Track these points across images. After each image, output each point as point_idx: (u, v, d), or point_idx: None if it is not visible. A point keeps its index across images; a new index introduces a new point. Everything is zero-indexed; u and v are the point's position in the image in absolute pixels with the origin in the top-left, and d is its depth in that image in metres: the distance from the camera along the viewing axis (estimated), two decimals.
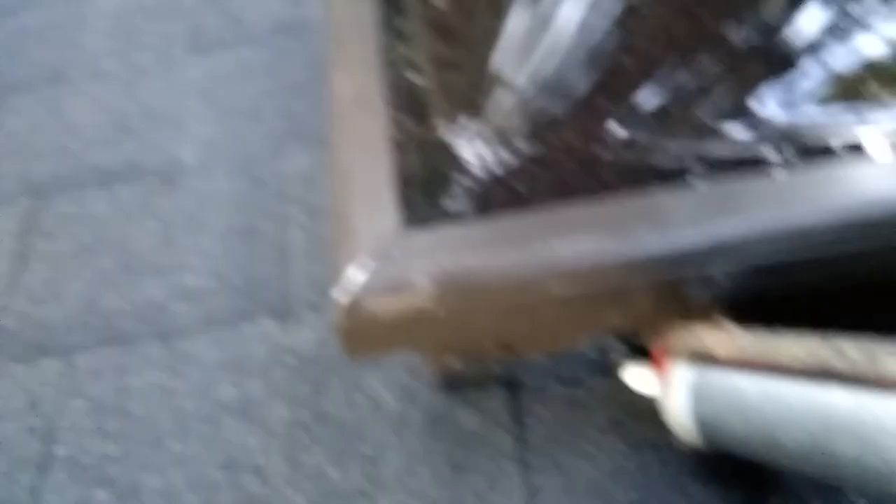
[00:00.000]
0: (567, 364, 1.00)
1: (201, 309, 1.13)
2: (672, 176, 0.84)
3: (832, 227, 0.78)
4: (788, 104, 0.87)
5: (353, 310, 0.79)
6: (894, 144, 0.80)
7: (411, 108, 0.95)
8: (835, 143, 0.82)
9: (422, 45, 1.04)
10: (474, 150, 0.88)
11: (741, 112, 0.87)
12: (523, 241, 0.80)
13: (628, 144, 0.87)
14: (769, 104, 0.87)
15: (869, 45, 0.91)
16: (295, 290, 1.13)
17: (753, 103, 0.87)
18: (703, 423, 0.80)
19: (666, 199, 0.82)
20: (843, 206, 0.78)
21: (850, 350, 0.69)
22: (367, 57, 1.04)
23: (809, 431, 0.69)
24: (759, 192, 0.81)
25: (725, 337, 0.79)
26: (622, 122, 0.89)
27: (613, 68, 0.95)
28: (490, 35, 1.01)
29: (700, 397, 0.79)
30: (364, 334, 0.82)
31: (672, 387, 0.82)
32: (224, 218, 1.26)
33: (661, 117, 0.89)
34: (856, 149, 0.81)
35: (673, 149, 0.86)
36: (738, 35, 0.95)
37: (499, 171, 0.86)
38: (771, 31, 0.95)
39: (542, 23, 1.01)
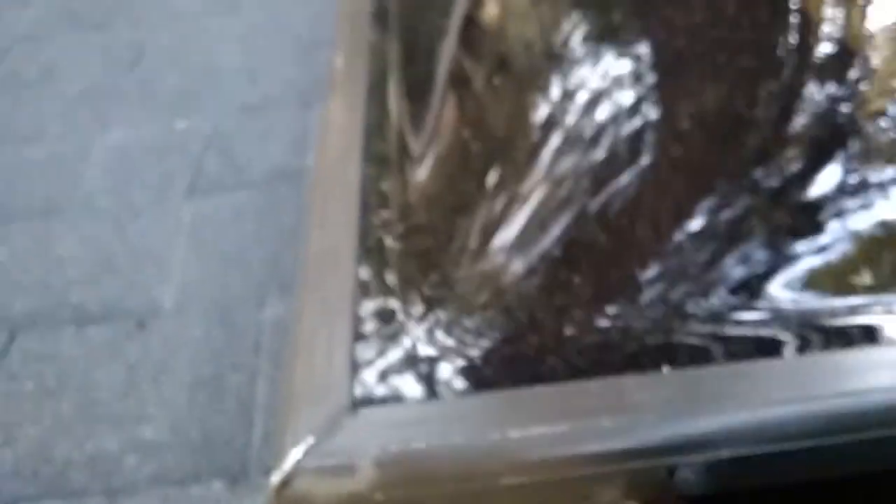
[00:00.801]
0: None
1: (153, 465, 1.09)
2: (642, 362, 0.80)
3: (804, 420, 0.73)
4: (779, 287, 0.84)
5: (286, 491, 0.74)
6: None
7: (377, 276, 0.93)
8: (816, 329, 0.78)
9: (398, 208, 1.03)
10: (434, 327, 0.84)
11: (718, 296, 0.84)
12: (476, 425, 0.76)
13: (597, 328, 0.83)
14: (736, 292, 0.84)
15: (891, 212, 0.89)
16: (253, 450, 1.09)
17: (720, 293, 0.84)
18: None
19: (632, 387, 0.77)
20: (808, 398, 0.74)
21: None
22: (345, 216, 1.02)
23: None
24: (730, 381, 0.77)
25: None
26: (594, 306, 0.85)
27: (591, 250, 0.92)
28: (471, 207, 1.00)
29: None
30: None
31: None
32: (193, 366, 1.22)
33: (635, 300, 0.85)
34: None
35: (646, 334, 0.82)
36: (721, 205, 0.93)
37: (458, 350, 0.82)
38: (776, 199, 0.93)
39: (523, 198, 1.00)
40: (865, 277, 0.84)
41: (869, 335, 0.78)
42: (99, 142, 1.80)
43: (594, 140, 1.09)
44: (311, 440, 0.74)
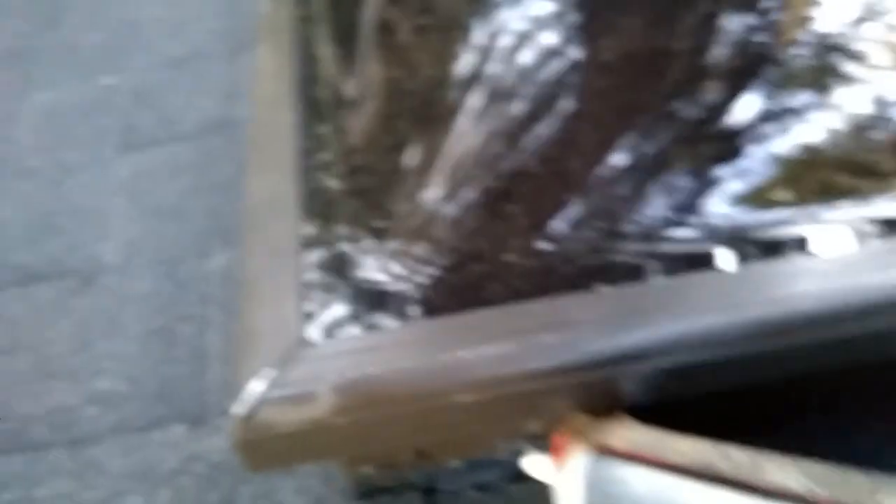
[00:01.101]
0: (483, 469, 0.99)
1: (113, 415, 1.11)
2: (580, 282, 0.84)
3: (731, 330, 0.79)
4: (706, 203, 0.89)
5: (250, 422, 0.77)
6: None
7: (322, 214, 0.95)
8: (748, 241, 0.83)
9: (338, 150, 1.05)
10: (381, 258, 0.87)
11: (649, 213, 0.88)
12: (427, 349, 0.80)
13: (536, 253, 0.87)
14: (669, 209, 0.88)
15: (809, 135, 0.94)
16: (209, 395, 1.11)
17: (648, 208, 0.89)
18: None
19: (571, 306, 0.82)
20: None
21: (736, 454, 0.71)
22: (282, 161, 1.04)
23: None
24: (664, 295, 0.82)
25: (622, 430, 0.80)
26: (531, 233, 0.89)
27: (526, 176, 0.96)
28: (405, 141, 1.03)
29: (593, 487, 0.79)
30: (264, 447, 0.80)
31: (568, 474, 0.81)
32: (142, 320, 1.24)
33: (570, 225, 0.90)
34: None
35: (582, 256, 0.87)
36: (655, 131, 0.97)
37: (405, 279, 0.86)
38: (703, 122, 0.98)
39: (457, 136, 1.03)
40: (788, 194, 0.90)
41: (797, 245, 0.84)
42: (26, 103, 1.77)
43: (522, 79, 1.12)
44: (270, 373, 0.78)
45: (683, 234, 0.87)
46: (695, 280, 0.82)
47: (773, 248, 0.84)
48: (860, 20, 1.16)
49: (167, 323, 1.23)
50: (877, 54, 1.10)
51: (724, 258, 0.83)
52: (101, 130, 1.68)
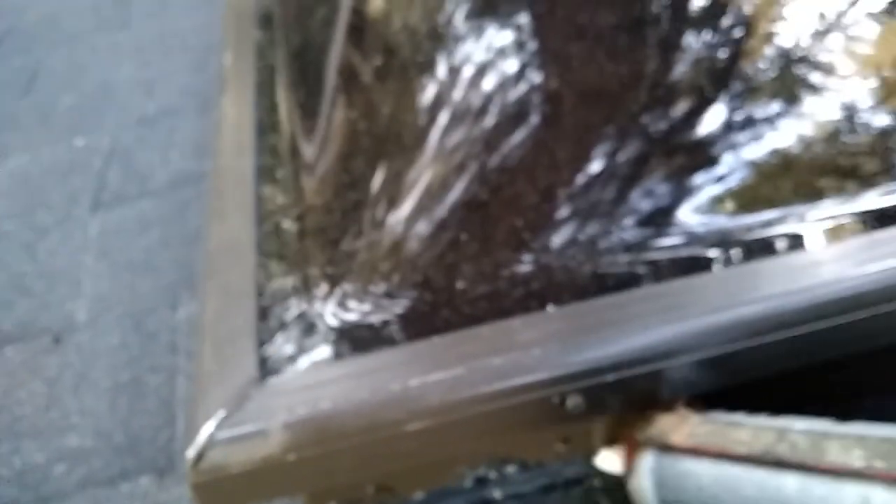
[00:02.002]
0: (448, 500, 0.98)
1: (81, 470, 1.10)
2: (527, 305, 0.85)
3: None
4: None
5: (202, 464, 0.77)
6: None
7: (277, 256, 0.96)
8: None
9: (295, 193, 1.06)
10: (332, 295, 0.88)
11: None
12: (378, 380, 0.79)
13: (487, 280, 0.88)
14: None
15: (783, 142, 0.96)
16: (178, 444, 1.11)
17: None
18: None
19: (519, 327, 0.82)
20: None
21: (795, 436, 0.72)
22: (241, 207, 1.05)
23: None
24: (609, 311, 0.82)
25: (681, 424, 0.81)
26: (481, 260, 0.90)
27: (477, 210, 0.97)
28: (363, 185, 1.04)
29: (660, 482, 0.81)
30: (219, 489, 0.79)
31: (636, 471, 0.83)
32: (111, 373, 1.24)
33: (519, 250, 0.91)
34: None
35: (531, 279, 0.87)
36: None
37: (357, 315, 0.86)
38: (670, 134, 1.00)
39: (415, 171, 1.04)
40: (768, 196, 0.92)
41: (783, 244, 0.85)
42: (1, 170, 1.79)
43: (483, 109, 1.14)
44: (221, 413, 0.77)
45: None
46: (632, 295, 0.82)
47: (759, 249, 0.86)
48: (823, 33, 1.18)
49: (136, 375, 1.23)
50: (842, 64, 1.12)
51: (650, 275, 0.84)
52: (74, 191, 1.69)
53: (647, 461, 0.82)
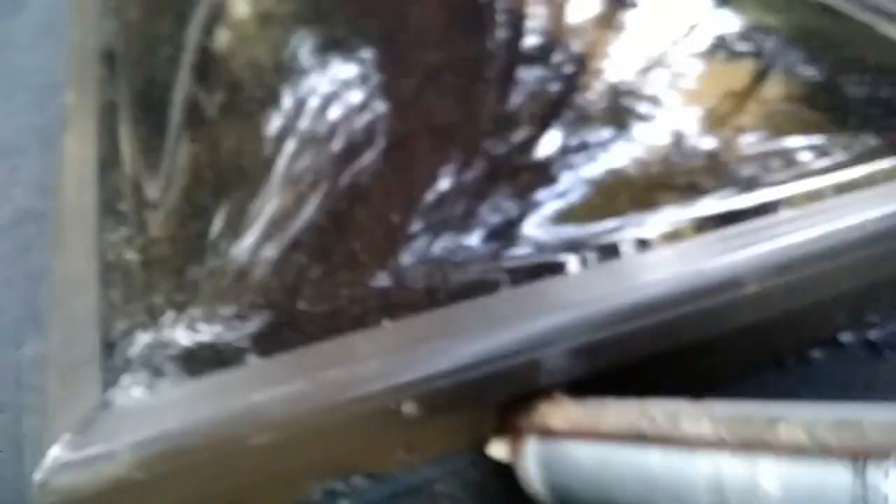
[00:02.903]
0: None
1: None
2: (365, 319, 0.90)
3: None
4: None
5: (49, 488, 0.79)
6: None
7: (122, 286, 0.98)
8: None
9: (138, 225, 1.08)
10: (175, 320, 0.91)
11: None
12: (222, 398, 0.83)
13: (327, 300, 0.93)
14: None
15: (617, 162, 1.08)
16: (28, 479, 1.10)
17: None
18: (552, 489, 0.87)
19: (358, 342, 0.88)
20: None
21: (657, 414, 0.79)
22: (84, 241, 1.07)
23: (635, 492, 0.78)
24: (448, 322, 0.89)
25: (560, 411, 0.88)
26: (322, 282, 0.96)
27: (321, 229, 1.03)
28: (204, 210, 1.08)
29: (544, 465, 0.87)
30: None
31: (521, 457, 0.89)
32: None
33: (357, 270, 0.97)
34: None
35: (368, 296, 0.93)
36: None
37: (202, 337, 0.90)
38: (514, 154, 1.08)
39: (259, 199, 1.09)
40: (608, 208, 1.02)
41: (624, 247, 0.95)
42: None
43: (325, 139, 1.20)
44: (67, 437, 0.80)
45: (466, 265, 0.96)
46: (473, 305, 0.90)
47: (605, 252, 0.95)
48: (648, 69, 1.30)
49: None
50: (667, 97, 1.24)
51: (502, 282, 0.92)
52: None
53: (531, 447, 0.89)
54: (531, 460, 0.89)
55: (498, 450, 0.97)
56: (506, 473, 0.92)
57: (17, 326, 1.35)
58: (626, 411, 0.82)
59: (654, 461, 0.77)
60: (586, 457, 0.84)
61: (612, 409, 0.84)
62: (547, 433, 0.88)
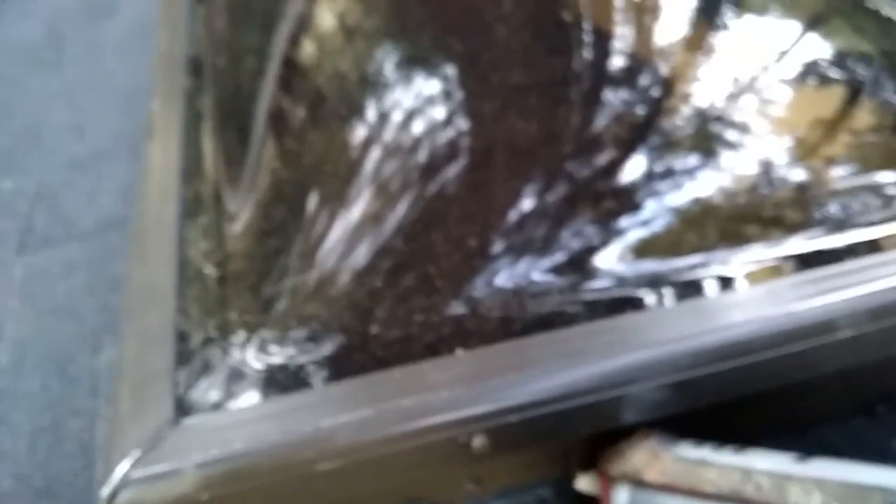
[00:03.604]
0: None
1: None
2: (437, 348, 0.89)
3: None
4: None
5: (117, 503, 0.79)
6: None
7: (198, 301, 0.98)
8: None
9: (217, 239, 1.08)
10: (248, 340, 0.91)
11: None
12: (290, 422, 0.82)
13: (400, 325, 0.92)
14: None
15: (703, 191, 1.04)
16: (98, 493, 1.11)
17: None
18: None
19: (429, 370, 0.86)
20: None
21: (759, 477, 0.77)
22: (162, 252, 1.07)
23: None
24: (522, 353, 0.87)
25: (654, 461, 0.86)
26: (395, 307, 0.94)
27: (393, 258, 1.01)
28: (284, 233, 1.07)
29: None
30: None
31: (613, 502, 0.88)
32: (32, 417, 1.24)
33: (429, 293, 0.95)
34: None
35: (442, 324, 0.91)
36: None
37: (273, 359, 0.89)
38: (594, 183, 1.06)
39: (338, 218, 1.08)
40: (694, 240, 0.98)
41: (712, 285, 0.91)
42: None
43: (406, 160, 1.19)
44: (136, 453, 0.80)
45: (541, 295, 0.93)
46: (542, 339, 0.87)
47: (689, 288, 0.91)
48: (737, 94, 1.26)
49: (57, 419, 1.23)
50: (756, 124, 1.20)
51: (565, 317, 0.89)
52: (0, 233, 1.69)
53: (622, 495, 0.87)
54: None
55: (587, 484, 0.95)
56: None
57: (97, 333, 1.37)
58: (728, 473, 0.80)
59: None
60: None
61: (713, 469, 0.81)
62: (640, 484, 0.86)
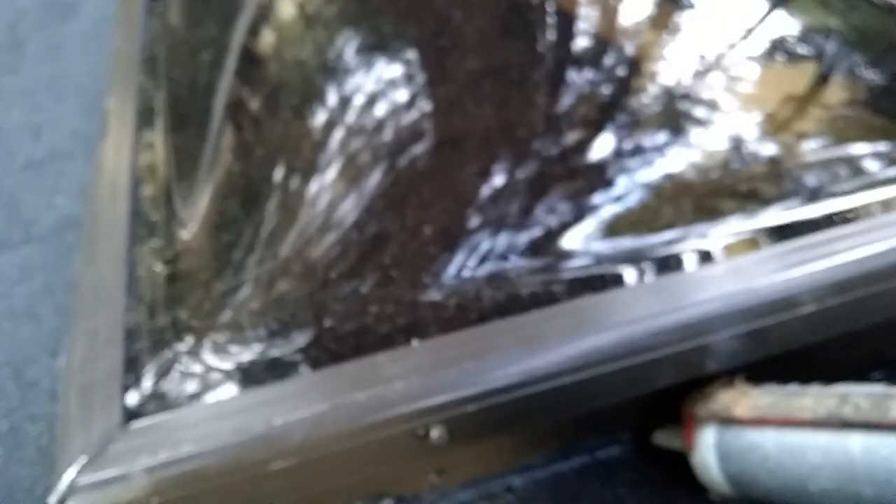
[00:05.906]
0: None
1: None
2: (392, 339, 0.87)
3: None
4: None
5: None
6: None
7: (147, 300, 0.96)
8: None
9: (167, 236, 1.06)
10: (198, 339, 0.89)
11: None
12: (242, 421, 0.80)
13: (354, 318, 0.90)
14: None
15: (674, 168, 1.03)
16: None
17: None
18: (731, 478, 0.85)
19: (384, 362, 0.84)
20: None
21: (858, 398, 0.76)
22: (112, 251, 1.05)
23: (829, 477, 0.75)
24: (471, 342, 0.85)
25: (742, 398, 0.86)
26: (349, 300, 0.92)
27: (343, 250, 0.99)
28: (234, 223, 1.05)
29: (724, 455, 0.85)
30: None
31: (698, 447, 0.87)
32: None
33: (383, 284, 0.93)
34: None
35: (396, 315, 0.89)
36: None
37: (223, 358, 0.87)
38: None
39: (290, 212, 1.05)
40: (670, 215, 0.97)
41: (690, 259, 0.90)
42: None
43: (361, 152, 1.16)
44: (83, 459, 0.77)
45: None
46: (490, 328, 0.85)
47: (668, 263, 0.90)
48: (704, 72, 1.24)
49: (15, 424, 1.20)
50: (725, 101, 1.18)
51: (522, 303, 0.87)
52: None
53: (709, 436, 0.87)
54: (709, 450, 0.86)
55: (667, 438, 0.94)
56: None
57: (55, 336, 1.34)
58: (824, 398, 0.79)
59: (856, 448, 0.74)
60: (774, 446, 0.81)
61: (808, 397, 0.81)
62: (729, 421, 0.85)
